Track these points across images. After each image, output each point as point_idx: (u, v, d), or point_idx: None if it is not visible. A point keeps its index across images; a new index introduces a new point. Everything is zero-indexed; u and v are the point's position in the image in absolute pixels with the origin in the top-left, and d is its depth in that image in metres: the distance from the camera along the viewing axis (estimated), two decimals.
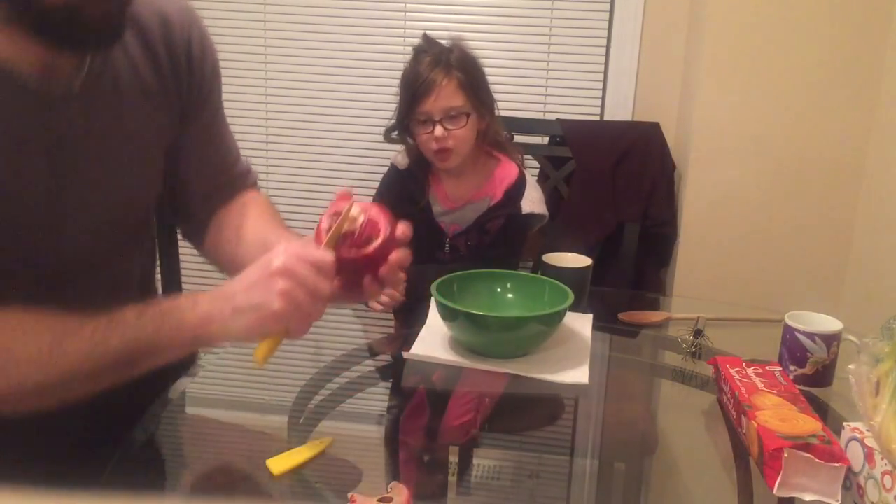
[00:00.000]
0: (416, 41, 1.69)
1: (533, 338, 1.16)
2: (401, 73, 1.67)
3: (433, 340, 1.21)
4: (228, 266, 1.08)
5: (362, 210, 0.90)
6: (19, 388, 0.79)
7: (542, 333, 1.16)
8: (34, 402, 0.80)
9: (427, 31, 1.69)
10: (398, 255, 0.89)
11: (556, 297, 1.20)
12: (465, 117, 1.59)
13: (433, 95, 1.57)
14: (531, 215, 1.67)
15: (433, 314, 1.24)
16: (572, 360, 1.16)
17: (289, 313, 0.82)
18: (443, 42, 1.66)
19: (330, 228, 0.88)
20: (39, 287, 0.88)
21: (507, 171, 1.68)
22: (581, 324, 1.28)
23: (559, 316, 1.16)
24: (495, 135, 1.69)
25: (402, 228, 0.90)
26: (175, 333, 0.84)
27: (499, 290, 1.29)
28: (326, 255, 0.85)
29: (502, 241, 1.68)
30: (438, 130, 1.57)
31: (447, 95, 1.58)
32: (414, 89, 1.60)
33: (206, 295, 0.86)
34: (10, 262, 0.86)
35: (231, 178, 1.13)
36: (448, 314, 1.16)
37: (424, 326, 1.25)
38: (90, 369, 0.81)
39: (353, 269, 0.89)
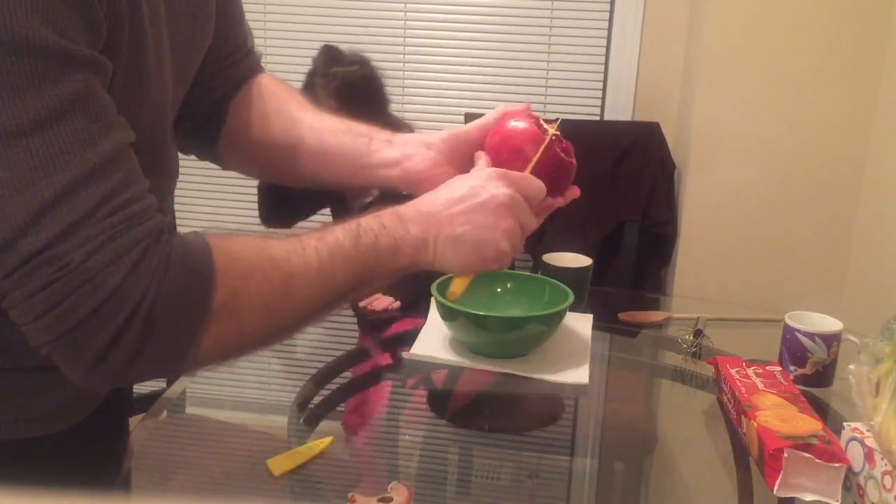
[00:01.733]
0: (417, 41, 1.66)
1: (533, 338, 1.16)
2: (401, 72, 1.65)
3: (433, 340, 1.21)
4: (290, 157, 0.91)
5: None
6: (252, 336, 0.67)
7: (542, 333, 1.16)
8: (263, 348, 0.71)
9: (431, 36, 1.61)
10: (575, 191, 0.84)
11: (556, 297, 1.20)
12: None
13: None
14: None
15: (433, 314, 1.24)
16: (572, 360, 1.16)
17: (510, 255, 0.74)
18: (353, 56, 1.52)
19: (529, 133, 0.81)
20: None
21: None
22: (581, 324, 1.27)
23: (559, 316, 1.16)
24: None
25: None
26: (391, 260, 0.73)
27: (499, 290, 1.29)
28: (541, 186, 0.78)
29: None
30: None
31: None
32: None
33: (409, 212, 0.75)
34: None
35: (247, 52, 0.94)
36: (448, 314, 1.16)
37: (424, 326, 1.25)
38: (318, 307, 0.70)
39: (552, 175, 0.81)
